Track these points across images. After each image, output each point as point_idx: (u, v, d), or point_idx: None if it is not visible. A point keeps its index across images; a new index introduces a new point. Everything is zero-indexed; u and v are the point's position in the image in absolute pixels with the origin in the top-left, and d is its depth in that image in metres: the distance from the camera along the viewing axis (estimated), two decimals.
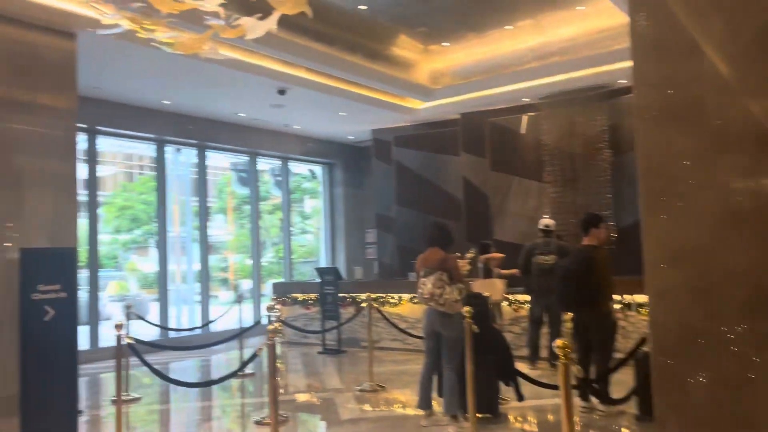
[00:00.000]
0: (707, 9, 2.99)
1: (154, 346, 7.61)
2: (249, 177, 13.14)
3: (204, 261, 11.77)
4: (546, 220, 7.90)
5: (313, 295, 10.50)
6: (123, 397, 6.50)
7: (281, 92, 9.85)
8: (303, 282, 12.39)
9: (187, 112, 11.05)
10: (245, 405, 6.90)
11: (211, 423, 6.25)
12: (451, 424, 5.34)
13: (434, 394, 5.59)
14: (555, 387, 3.66)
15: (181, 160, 11.93)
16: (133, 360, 5.73)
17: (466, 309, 5.02)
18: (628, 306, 7.55)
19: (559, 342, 2.87)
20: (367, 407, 6.29)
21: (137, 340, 5.65)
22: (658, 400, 3.06)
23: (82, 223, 9.72)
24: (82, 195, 9.70)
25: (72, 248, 6.14)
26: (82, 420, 6.01)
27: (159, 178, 11.17)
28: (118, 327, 5.34)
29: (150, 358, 5.81)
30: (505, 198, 11.14)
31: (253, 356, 5.44)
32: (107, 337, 9.13)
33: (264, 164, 13.65)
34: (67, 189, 6.89)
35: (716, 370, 2.88)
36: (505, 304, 8.40)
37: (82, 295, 9.56)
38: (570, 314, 5.65)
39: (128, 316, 7.69)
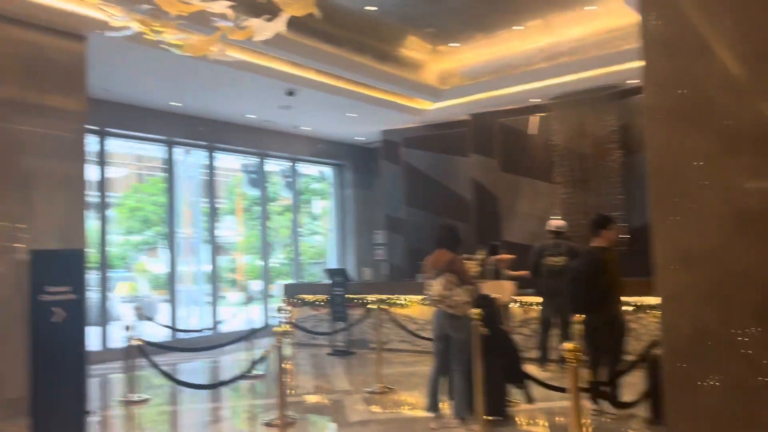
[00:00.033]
0: (718, 8, 2.95)
1: (162, 347, 7.63)
2: (258, 178, 13.17)
3: (213, 262, 11.81)
4: (556, 222, 7.86)
5: (322, 297, 10.50)
6: (132, 398, 6.54)
7: (290, 93, 9.86)
8: (312, 283, 12.39)
9: (197, 113, 11.09)
10: (254, 406, 6.90)
11: (219, 424, 6.26)
12: (460, 427, 5.32)
13: (443, 397, 5.56)
14: (564, 390, 3.63)
15: (190, 161, 11.97)
16: (143, 361, 5.75)
17: (475, 311, 4.99)
18: (639, 308, 7.48)
19: (568, 345, 2.84)
20: (375, 409, 6.27)
21: (146, 342, 5.66)
22: (669, 403, 3.03)
23: (93, 224, 9.78)
24: (93, 196, 9.75)
25: (81, 250, 6.15)
26: (92, 421, 6.02)
27: (169, 180, 11.22)
28: (127, 329, 5.35)
29: (159, 359, 5.83)
30: (515, 199, 11.09)
31: (261, 358, 5.46)
32: (117, 338, 9.17)
33: (273, 165, 13.67)
34: (76, 191, 6.94)
35: (728, 373, 2.84)
36: (514, 305, 8.35)
37: (93, 296, 9.61)
38: (580, 316, 5.61)
39: (138, 317, 7.73)
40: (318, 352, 9.94)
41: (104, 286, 10.03)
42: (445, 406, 5.58)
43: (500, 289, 7.34)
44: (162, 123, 10.78)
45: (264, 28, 5.11)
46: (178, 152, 11.52)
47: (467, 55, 10.85)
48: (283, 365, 5.27)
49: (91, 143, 9.59)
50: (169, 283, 11.12)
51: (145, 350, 5.44)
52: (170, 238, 11.15)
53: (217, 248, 12.00)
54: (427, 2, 8.82)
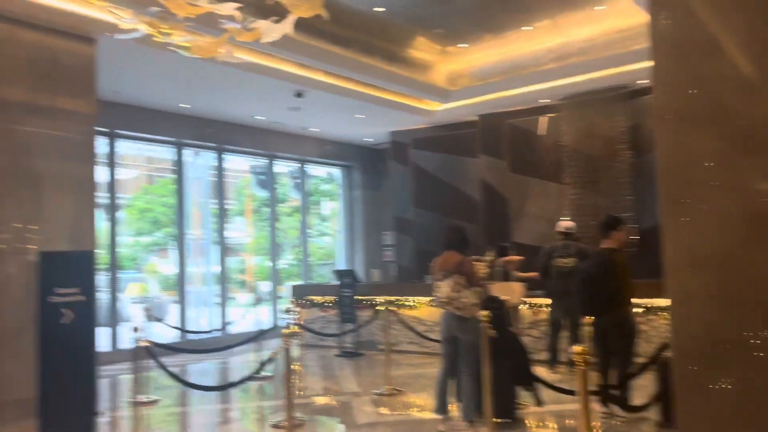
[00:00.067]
0: (729, 7, 2.92)
1: (170, 348, 7.64)
2: (267, 180, 13.20)
3: (223, 263, 11.84)
4: (565, 223, 7.82)
5: (330, 298, 10.50)
6: (141, 400, 6.56)
7: (298, 95, 9.87)
8: (321, 284, 12.40)
9: (206, 115, 11.13)
10: (263, 408, 6.90)
11: (228, 426, 6.27)
12: (469, 429, 5.29)
13: (452, 399, 5.54)
14: (574, 392, 3.60)
15: (199, 162, 12.01)
16: (152, 362, 5.76)
17: (483, 313, 4.97)
18: (649, 310, 7.43)
19: (577, 348, 2.82)
20: (384, 411, 6.26)
21: (153, 343, 5.68)
22: (681, 407, 2.99)
23: (104, 225, 9.83)
24: (103, 198, 9.80)
25: (90, 251, 6.19)
26: (100, 422, 6.04)
27: (178, 181, 11.26)
28: (135, 330, 5.37)
29: (168, 360, 5.85)
30: (524, 200, 11.05)
31: (270, 359, 5.46)
32: (127, 339, 9.20)
33: (282, 167, 13.70)
34: (86, 192, 6.98)
35: (740, 376, 2.80)
36: (524, 307, 8.31)
37: (103, 296, 9.66)
38: (589, 318, 5.57)
39: (148, 318, 7.76)
40: (326, 353, 9.93)
41: (114, 287, 10.08)
42: (454, 409, 5.55)
43: (509, 291, 7.31)
44: (171, 125, 10.83)
45: (272, 30, 5.11)
46: (188, 154, 11.56)
47: (476, 56, 10.82)
48: (291, 367, 5.27)
49: (101, 145, 9.64)
50: (178, 284, 11.16)
51: (152, 351, 5.45)
52: (180, 239, 11.19)
53: (226, 249, 12.03)
54: (435, 3, 8.81)
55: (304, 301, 10.93)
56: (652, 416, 5.22)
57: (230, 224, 12.70)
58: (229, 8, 4.93)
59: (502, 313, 5.49)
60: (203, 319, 11.82)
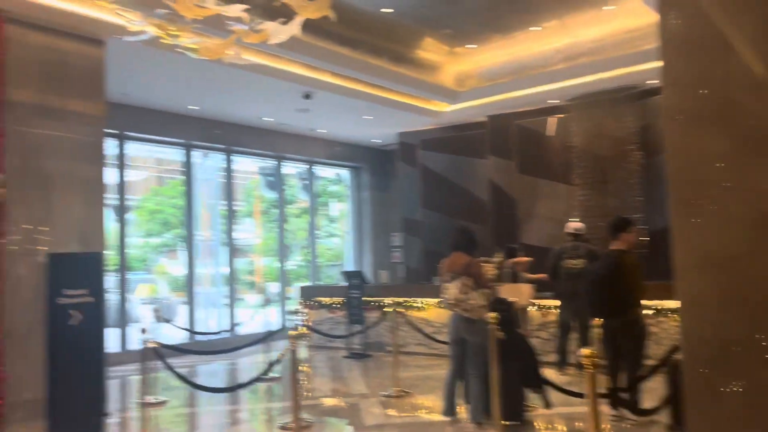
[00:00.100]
0: (739, 6, 2.89)
1: (179, 349, 7.66)
2: (276, 181, 13.22)
3: (231, 264, 11.87)
4: (575, 224, 7.78)
5: (338, 299, 10.50)
6: (149, 401, 6.58)
7: (306, 96, 9.88)
8: (329, 285, 12.39)
9: (214, 116, 11.17)
10: (271, 409, 6.90)
11: (236, 427, 6.27)
12: (477, 431, 5.27)
13: (460, 401, 5.52)
14: (583, 395, 3.58)
15: (208, 164, 12.05)
16: (160, 363, 5.78)
17: (491, 315, 4.94)
18: (659, 312, 7.37)
19: (586, 350, 2.79)
20: (392, 412, 6.24)
21: (161, 344, 5.69)
22: (691, 409, 2.97)
23: (113, 227, 9.87)
24: (113, 199, 9.84)
25: (99, 253, 6.21)
26: (109, 422, 6.06)
27: (187, 183, 11.30)
28: (143, 331, 5.39)
29: (177, 361, 5.86)
30: (533, 201, 11.00)
31: (277, 361, 5.46)
32: (136, 340, 9.23)
33: (291, 168, 13.72)
34: (96, 194, 7.00)
35: (751, 379, 2.77)
36: (532, 309, 8.27)
37: (112, 297, 9.70)
38: (599, 320, 5.53)
39: (157, 319, 7.78)
40: (334, 354, 9.93)
41: (124, 288, 10.12)
42: (462, 411, 5.53)
43: (518, 293, 7.28)
44: (180, 126, 10.87)
45: (279, 32, 5.11)
46: (196, 155, 11.59)
47: (484, 57, 10.79)
48: (299, 368, 5.27)
49: (110, 147, 9.68)
50: (187, 286, 11.19)
51: (161, 352, 5.46)
52: (189, 240, 11.22)
53: (234, 250, 12.06)
54: (443, 4, 8.79)
55: (312, 303, 10.93)
56: (663, 419, 5.17)
57: (239, 225, 12.73)
58: (236, 10, 4.93)
59: (510, 314, 5.47)
60: (212, 321, 11.85)
